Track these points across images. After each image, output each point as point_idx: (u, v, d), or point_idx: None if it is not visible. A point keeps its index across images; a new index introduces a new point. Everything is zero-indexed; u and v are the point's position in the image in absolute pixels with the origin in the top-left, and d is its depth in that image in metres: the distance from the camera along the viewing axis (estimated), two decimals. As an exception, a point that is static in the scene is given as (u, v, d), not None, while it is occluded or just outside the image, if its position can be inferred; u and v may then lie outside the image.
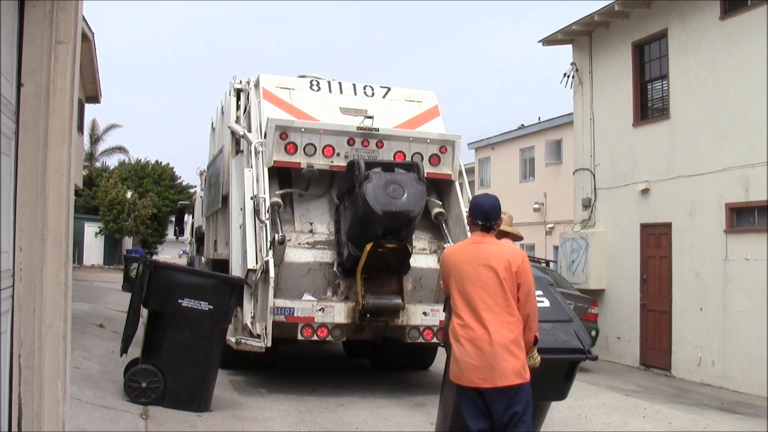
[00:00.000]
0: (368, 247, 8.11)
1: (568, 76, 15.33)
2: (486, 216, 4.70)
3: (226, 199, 10.47)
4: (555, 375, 5.37)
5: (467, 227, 5.56)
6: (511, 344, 4.43)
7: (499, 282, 4.48)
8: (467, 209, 9.16)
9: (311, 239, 9.18)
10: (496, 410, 4.45)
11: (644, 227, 13.29)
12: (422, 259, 9.26)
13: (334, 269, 8.94)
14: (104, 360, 9.27)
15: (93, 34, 16.32)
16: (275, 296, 8.23)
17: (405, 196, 8.05)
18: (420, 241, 9.44)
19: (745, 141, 11.14)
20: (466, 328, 4.48)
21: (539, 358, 4.72)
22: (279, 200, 8.94)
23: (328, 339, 8.65)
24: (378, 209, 7.89)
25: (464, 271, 4.57)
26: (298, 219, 9.34)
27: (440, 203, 9.69)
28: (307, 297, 8.70)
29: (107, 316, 13.95)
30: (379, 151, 9.27)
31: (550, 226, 22.52)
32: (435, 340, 8.78)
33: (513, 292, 4.51)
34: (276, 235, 8.38)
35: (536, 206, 23.18)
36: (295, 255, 8.87)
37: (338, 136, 9.19)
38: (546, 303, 5.57)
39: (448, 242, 9.34)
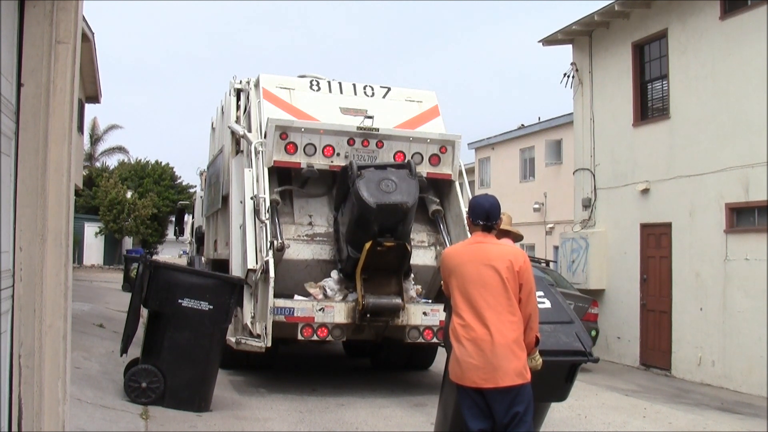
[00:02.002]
0: (367, 245, 8.13)
1: (568, 76, 15.33)
2: (488, 216, 4.70)
3: (226, 199, 10.47)
4: (556, 376, 5.36)
5: (467, 227, 5.59)
6: (513, 344, 4.44)
7: (501, 282, 4.48)
8: (467, 209, 9.23)
9: (310, 231, 9.24)
10: (497, 410, 4.45)
11: (644, 227, 13.29)
12: (420, 254, 9.29)
13: (336, 271, 8.97)
14: (104, 360, 9.27)
15: (93, 34, 16.32)
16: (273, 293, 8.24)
17: (398, 190, 8.11)
18: (419, 233, 9.48)
19: (745, 141, 11.14)
20: (468, 328, 4.48)
21: (541, 360, 4.71)
22: (278, 197, 8.96)
23: (328, 339, 8.66)
24: (372, 203, 7.93)
25: (466, 271, 4.57)
26: (297, 212, 9.39)
27: (437, 200, 9.72)
28: (298, 298, 8.72)
29: (107, 316, 13.95)
30: (379, 151, 9.27)
31: (550, 226, 22.51)
32: (435, 340, 8.78)
33: (515, 291, 4.51)
34: (275, 242, 8.42)
35: (536, 206, 23.18)
36: (294, 251, 8.91)
37: (338, 136, 9.19)
38: (547, 304, 5.56)
39: (446, 239, 9.41)
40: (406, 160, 9.01)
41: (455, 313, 4.60)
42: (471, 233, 4.83)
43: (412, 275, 9.00)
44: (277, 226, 8.72)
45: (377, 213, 7.97)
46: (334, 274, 8.94)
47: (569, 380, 5.52)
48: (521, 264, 4.56)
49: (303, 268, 9.01)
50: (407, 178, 8.32)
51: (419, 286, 9.12)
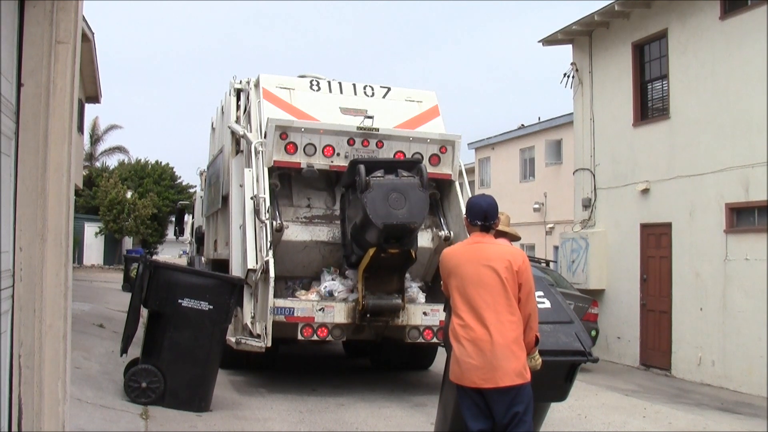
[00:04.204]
0: (371, 252, 8.09)
1: (568, 76, 15.32)
2: (485, 216, 4.70)
3: (226, 199, 10.48)
4: (555, 376, 5.36)
5: (465, 228, 5.58)
6: (512, 344, 4.44)
7: (500, 282, 4.48)
8: (465, 210, 9.24)
9: (309, 214, 9.34)
10: (497, 410, 4.45)
11: (644, 227, 13.29)
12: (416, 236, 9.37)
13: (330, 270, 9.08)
14: (104, 360, 9.27)
15: (93, 34, 16.30)
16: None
17: (406, 206, 7.88)
18: None
19: (745, 141, 11.14)
20: (467, 329, 4.48)
21: (540, 359, 4.71)
22: (276, 181, 9.04)
23: (328, 339, 8.66)
24: (378, 222, 7.78)
25: (465, 272, 4.57)
26: (296, 194, 9.48)
27: (433, 184, 9.64)
28: (301, 295, 8.73)
29: (107, 316, 13.95)
30: (379, 151, 9.28)
31: (550, 226, 22.51)
32: (435, 340, 8.78)
33: (514, 291, 4.50)
34: (275, 222, 8.56)
35: (536, 206, 23.18)
36: (292, 233, 9.01)
37: (338, 136, 9.20)
38: (547, 304, 5.56)
39: (442, 222, 9.53)
40: (416, 160, 8.87)
41: (455, 314, 4.60)
42: (469, 233, 4.83)
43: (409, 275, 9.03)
44: (276, 208, 8.79)
45: (383, 230, 7.88)
46: (330, 274, 8.99)
47: (569, 380, 5.52)
48: (520, 264, 4.56)
49: (301, 249, 9.10)
50: (417, 190, 8.06)
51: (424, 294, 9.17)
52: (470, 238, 4.79)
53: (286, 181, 9.44)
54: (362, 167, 8.13)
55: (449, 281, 4.67)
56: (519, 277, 4.52)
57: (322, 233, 9.20)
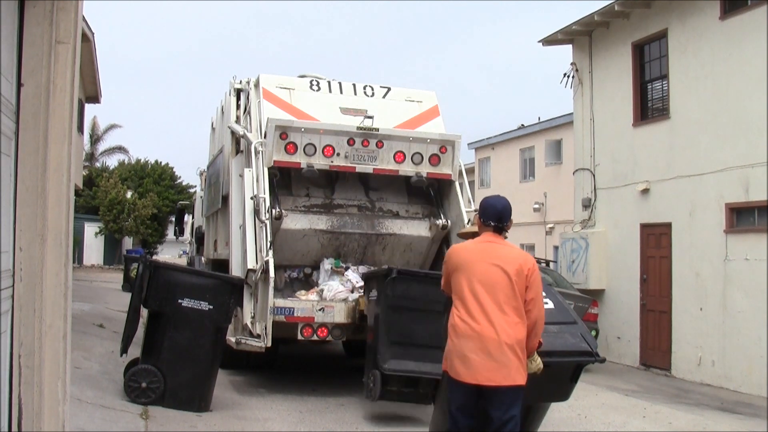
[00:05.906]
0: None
1: (568, 76, 15.33)
2: (499, 217, 4.73)
3: (226, 199, 10.48)
4: (561, 377, 5.39)
5: (477, 227, 5.54)
6: (517, 345, 4.46)
7: (510, 283, 4.49)
8: (467, 209, 9.29)
9: (307, 203, 9.42)
10: (496, 409, 4.44)
11: (644, 227, 13.29)
12: (415, 225, 9.50)
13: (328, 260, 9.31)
14: (104, 360, 9.27)
15: (93, 34, 16.31)
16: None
17: None
18: (413, 206, 9.74)
19: (745, 141, 11.14)
20: (474, 325, 4.47)
21: (541, 362, 4.70)
22: (276, 171, 9.10)
23: (328, 339, 8.67)
24: None
25: (475, 269, 4.57)
26: (294, 184, 9.52)
27: (419, 172, 9.50)
28: (301, 295, 8.73)
29: (107, 316, 13.95)
30: (379, 151, 9.29)
31: (550, 226, 22.52)
32: (435, 339, 8.78)
33: (522, 295, 4.52)
34: (274, 210, 8.65)
35: (536, 206, 23.19)
36: (291, 221, 9.10)
37: (338, 136, 9.20)
38: (550, 305, 5.57)
39: (439, 211, 9.64)
40: None
41: (461, 310, 4.58)
42: (480, 233, 4.83)
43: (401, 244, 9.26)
44: (275, 197, 8.88)
45: None
46: (328, 264, 9.10)
47: (573, 380, 5.55)
48: (530, 267, 4.59)
49: (300, 237, 9.22)
50: None
51: None
52: (481, 237, 4.79)
53: (286, 173, 9.48)
54: (379, 376, 7.35)
55: (457, 277, 4.63)
56: (527, 280, 4.54)
57: (321, 222, 9.31)
